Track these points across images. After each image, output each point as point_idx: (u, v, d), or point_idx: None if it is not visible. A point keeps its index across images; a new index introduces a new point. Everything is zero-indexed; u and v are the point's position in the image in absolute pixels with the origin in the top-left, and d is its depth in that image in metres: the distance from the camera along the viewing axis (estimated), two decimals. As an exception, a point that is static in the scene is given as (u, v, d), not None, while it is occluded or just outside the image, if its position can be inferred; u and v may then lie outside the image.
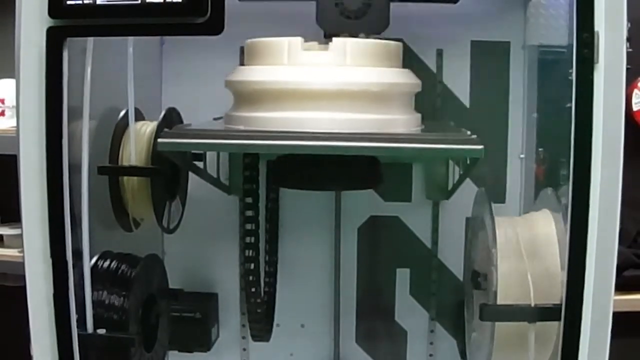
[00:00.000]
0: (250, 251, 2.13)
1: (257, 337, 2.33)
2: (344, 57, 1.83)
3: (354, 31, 1.97)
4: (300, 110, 1.78)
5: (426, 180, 2.34)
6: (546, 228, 1.78)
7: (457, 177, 2.13)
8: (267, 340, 2.39)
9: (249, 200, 2.09)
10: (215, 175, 2.17)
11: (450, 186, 2.01)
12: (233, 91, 1.96)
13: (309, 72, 1.81)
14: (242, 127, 1.84)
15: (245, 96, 1.89)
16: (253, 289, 2.12)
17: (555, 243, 1.73)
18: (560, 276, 1.66)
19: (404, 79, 1.92)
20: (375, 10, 1.97)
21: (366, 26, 1.97)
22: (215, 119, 2.18)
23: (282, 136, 1.70)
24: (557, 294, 1.64)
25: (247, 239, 2.14)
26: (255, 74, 1.87)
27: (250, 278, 2.12)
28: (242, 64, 2.40)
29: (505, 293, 1.70)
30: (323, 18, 1.99)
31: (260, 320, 2.24)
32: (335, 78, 1.80)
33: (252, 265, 2.14)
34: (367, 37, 1.97)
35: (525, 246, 1.74)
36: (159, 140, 1.73)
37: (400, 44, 1.98)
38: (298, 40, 1.84)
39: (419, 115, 1.98)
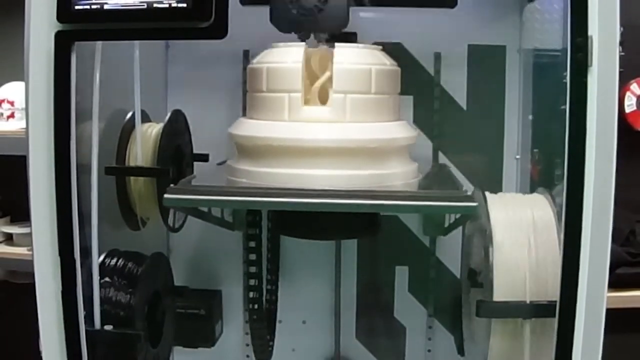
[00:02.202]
0: (254, 290, 2.16)
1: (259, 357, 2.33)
2: (343, 112, 1.84)
3: (310, 30, 1.95)
4: (301, 166, 1.79)
5: (423, 218, 2.36)
6: (543, 218, 1.78)
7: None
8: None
9: (252, 244, 2.13)
10: (219, 215, 2.18)
11: (447, 224, 2.04)
12: (235, 143, 1.97)
13: (309, 129, 1.82)
14: (244, 181, 1.87)
15: (247, 149, 1.91)
16: (256, 315, 2.15)
17: (553, 235, 1.73)
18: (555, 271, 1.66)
19: (401, 133, 1.93)
20: (332, 8, 1.90)
21: (322, 25, 1.92)
22: (218, 164, 2.19)
23: (284, 193, 1.73)
24: (554, 288, 1.64)
25: (252, 281, 2.17)
26: (256, 129, 1.87)
27: (255, 311, 2.15)
28: (244, 67, 2.42)
29: (502, 290, 1.70)
30: (277, 16, 1.93)
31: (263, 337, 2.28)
32: (334, 135, 1.81)
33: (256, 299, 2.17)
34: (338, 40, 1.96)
35: (521, 240, 1.74)
36: (165, 196, 1.77)
37: (398, 70, 1.98)
38: (298, 95, 1.84)
39: (416, 165, 1.99)
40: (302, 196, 1.72)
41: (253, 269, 2.07)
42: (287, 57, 1.88)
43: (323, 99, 1.89)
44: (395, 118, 1.97)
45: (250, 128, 1.90)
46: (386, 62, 1.94)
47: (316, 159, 1.80)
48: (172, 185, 1.81)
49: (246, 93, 2.39)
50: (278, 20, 1.92)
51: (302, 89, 1.85)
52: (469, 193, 1.76)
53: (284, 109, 1.85)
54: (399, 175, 1.90)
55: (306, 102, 1.87)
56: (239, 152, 1.96)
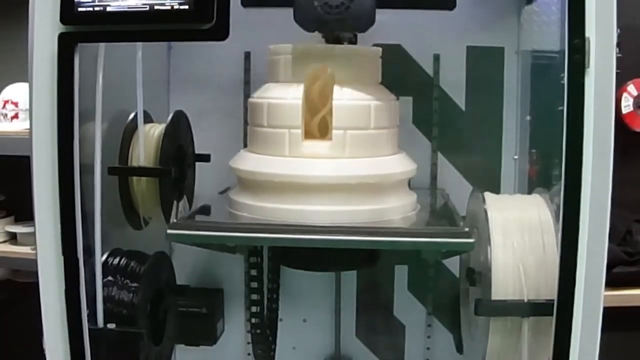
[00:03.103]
0: (256, 317, 2.18)
1: None
2: (343, 148, 1.85)
3: (335, 29, 1.92)
4: (302, 202, 1.81)
5: None
6: (540, 217, 1.78)
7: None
8: None
9: (253, 272, 2.15)
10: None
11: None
12: (237, 176, 1.98)
13: (309, 165, 1.83)
14: (246, 215, 1.88)
15: (248, 183, 1.92)
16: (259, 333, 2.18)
17: (551, 234, 1.73)
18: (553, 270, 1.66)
19: (400, 167, 1.94)
20: (359, 7, 1.84)
21: (349, 24, 1.87)
22: (220, 192, 2.20)
23: (285, 229, 1.75)
24: (552, 287, 1.64)
25: (254, 308, 2.18)
26: (257, 165, 1.88)
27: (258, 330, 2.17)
28: (246, 69, 2.43)
29: (500, 288, 1.70)
30: (301, 14, 1.86)
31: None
32: (334, 172, 1.82)
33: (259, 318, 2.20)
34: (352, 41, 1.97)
35: (519, 240, 1.74)
36: (168, 231, 1.78)
37: (397, 103, 1.99)
38: (298, 131, 1.85)
39: (414, 196, 2.00)
40: (302, 232, 1.75)
41: (255, 297, 2.11)
42: (287, 93, 1.88)
43: (323, 131, 1.91)
44: (394, 151, 1.98)
45: (251, 163, 1.91)
46: (385, 97, 1.95)
47: (316, 195, 1.82)
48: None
49: (247, 96, 2.41)
50: (302, 19, 1.86)
51: (302, 125, 1.86)
52: (466, 229, 1.78)
53: (284, 145, 1.86)
54: (397, 209, 1.91)
55: (307, 134, 1.88)
56: (240, 184, 1.98)
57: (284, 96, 1.88)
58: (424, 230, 1.84)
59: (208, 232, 1.81)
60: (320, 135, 1.92)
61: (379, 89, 1.97)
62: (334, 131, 1.85)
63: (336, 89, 1.87)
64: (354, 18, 1.84)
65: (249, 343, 2.39)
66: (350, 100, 1.87)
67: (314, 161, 1.84)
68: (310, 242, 1.75)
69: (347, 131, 1.85)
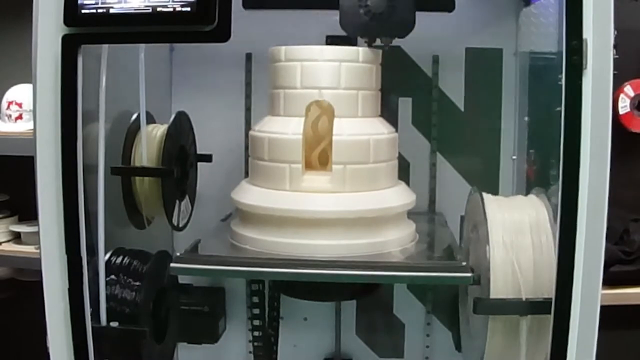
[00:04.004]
0: (258, 340, 2.24)
1: None
2: (343, 183, 1.86)
3: (378, 35, 1.96)
4: (302, 236, 1.83)
5: None
6: (538, 218, 1.78)
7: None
8: None
9: (255, 300, 2.19)
10: None
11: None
12: (238, 208, 1.98)
13: (310, 200, 1.85)
14: (247, 247, 1.89)
15: (250, 216, 1.93)
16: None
17: (549, 234, 1.73)
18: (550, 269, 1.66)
19: (399, 200, 1.95)
20: (400, 13, 1.91)
21: (391, 30, 1.93)
22: (222, 220, 2.22)
23: (286, 264, 1.77)
24: (550, 286, 1.64)
25: (256, 333, 2.25)
26: (259, 199, 1.90)
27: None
28: (247, 70, 2.43)
29: (500, 287, 1.70)
30: (347, 21, 1.93)
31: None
32: (334, 207, 1.84)
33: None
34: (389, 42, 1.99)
35: (517, 239, 1.74)
36: (172, 265, 1.80)
37: (396, 136, 2.00)
38: (299, 166, 1.86)
39: (413, 226, 2.01)
40: (303, 267, 1.76)
41: (257, 322, 2.16)
42: (287, 128, 1.89)
43: (323, 161, 1.93)
44: (393, 183, 1.99)
45: (253, 197, 1.92)
46: (384, 131, 1.96)
47: (317, 229, 1.83)
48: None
49: (248, 97, 2.42)
50: (348, 25, 1.92)
51: (303, 160, 1.87)
52: (464, 263, 1.79)
53: (285, 179, 1.87)
54: (396, 241, 1.92)
55: (307, 164, 1.90)
56: (241, 215, 1.99)
57: (284, 131, 1.89)
58: (422, 265, 1.84)
59: (211, 266, 1.83)
60: (320, 165, 1.95)
61: (378, 122, 1.98)
62: (334, 166, 1.86)
63: (336, 123, 1.88)
64: (396, 24, 1.90)
65: (250, 341, 2.39)
66: (350, 135, 1.88)
67: (315, 196, 1.86)
68: (311, 277, 1.77)
69: (346, 166, 1.87)
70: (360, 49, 1.92)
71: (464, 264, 1.77)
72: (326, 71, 1.89)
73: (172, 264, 1.80)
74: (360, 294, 2.11)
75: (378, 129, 1.94)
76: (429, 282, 2.27)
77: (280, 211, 1.84)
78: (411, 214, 2.04)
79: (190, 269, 1.82)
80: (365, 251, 1.84)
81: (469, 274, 1.75)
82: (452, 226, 2.24)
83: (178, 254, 1.85)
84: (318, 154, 1.96)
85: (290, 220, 1.83)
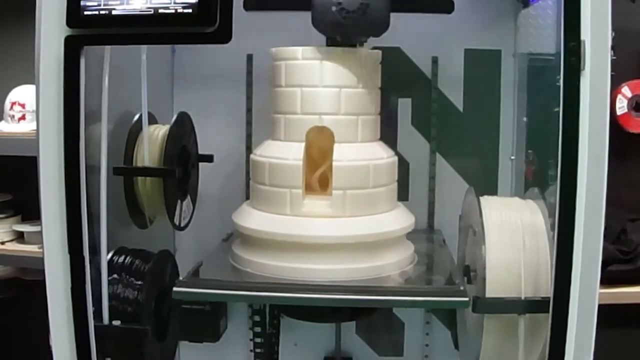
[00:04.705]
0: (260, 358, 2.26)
1: None
2: (343, 208, 1.87)
3: (352, 34, 1.92)
4: (303, 260, 1.84)
5: None
6: (535, 220, 1.78)
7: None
8: None
9: (257, 318, 2.23)
10: None
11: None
12: (239, 232, 1.99)
13: (310, 225, 1.86)
14: (248, 270, 1.90)
15: (251, 239, 1.94)
16: None
17: (544, 233, 1.73)
18: (549, 267, 1.66)
19: (398, 224, 1.95)
20: (374, 12, 1.84)
21: (365, 28, 1.88)
22: (224, 239, 2.24)
23: (288, 288, 1.79)
24: (545, 285, 1.64)
25: (257, 350, 2.27)
26: (260, 223, 1.91)
27: None
28: (248, 71, 2.43)
29: (496, 286, 1.70)
30: (320, 19, 1.85)
31: None
32: (334, 232, 1.85)
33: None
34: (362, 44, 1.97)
35: (516, 240, 1.74)
36: (175, 289, 1.81)
37: (395, 160, 2.01)
38: (299, 191, 1.87)
39: (412, 248, 2.02)
40: (303, 291, 1.77)
41: (258, 340, 2.19)
42: (288, 153, 1.90)
43: (323, 183, 1.95)
44: (393, 206, 1.99)
45: (254, 221, 1.93)
46: (383, 155, 1.97)
47: (317, 253, 1.84)
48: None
49: (249, 98, 2.41)
50: (320, 23, 1.86)
51: (303, 186, 1.88)
52: (462, 288, 1.79)
53: (285, 204, 1.88)
54: (395, 264, 1.93)
55: (307, 187, 1.91)
56: (243, 238, 1.99)
57: (285, 156, 1.90)
58: (420, 290, 1.85)
59: (213, 290, 1.83)
60: (320, 187, 1.96)
61: (377, 146, 1.99)
62: (334, 191, 1.87)
63: (336, 148, 1.89)
64: (370, 23, 1.84)
65: (251, 340, 2.39)
66: (349, 161, 1.89)
67: (315, 221, 1.87)
68: (311, 302, 1.78)
69: (346, 191, 1.87)
70: (360, 74, 1.92)
71: (461, 288, 1.78)
72: (326, 97, 1.90)
73: (174, 289, 1.81)
74: (360, 315, 2.12)
75: (378, 154, 1.95)
76: (428, 307, 2.31)
77: (281, 236, 1.85)
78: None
79: (193, 293, 1.83)
80: (364, 275, 1.85)
81: (466, 298, 1.75)
82: (451, 226, 2.24)
83: (181, 278, 1.86)
84: (318, 176, 1.97)
85: (291, 245, 1.85)
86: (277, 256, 1.86)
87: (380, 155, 1.95)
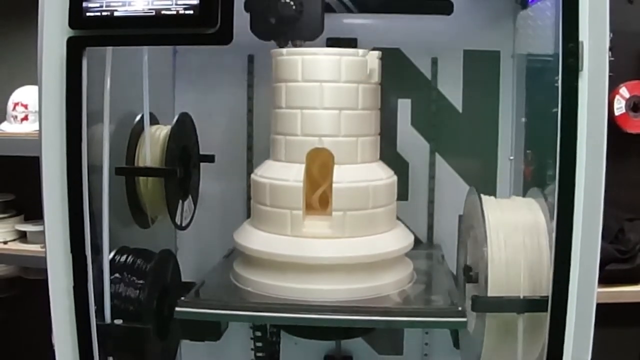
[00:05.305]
0: None
1: None
2: (342, 229, 1.87)
3: (288, 38, 1.99)
4: (303, 280, 1.84)
5: None
6: (535, 220, 1.77)
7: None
8: None
9: (258, 334, 2.23)
10: None
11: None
12: (241, 251, 1.98)
13: (311, 246, 1.86)
14: (250, 290, 1.91)
15: (252, 259, 1.94)
16: None
17: (544, 233, 1.73)
18: (546, 268, 1.66)
19: (397, 244, 1.96)
20: (309, 17, 1.95)
21: (300, 33, 1.96)
22: (225, 256, 2.23)
23: (287, 308, 1.80)
24: (546, 284, 1.64)
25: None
26: (261, 243, 1.91)
27: None
28: (249, 72, 2.43)
29: (497, 285, 1.70)
30: (257, 25, 1.98)
31: None
32: (334, 253, 1.86)
33: None
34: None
35: (514, 239, 1.74)
36: (177, 309, 1.82)
37: (395, 180, 2.01)
38: (300, 213, 1.87)
39: (411, 267, 2.02)
40: (304, 312, 1.78)
41: (260, 354, 2.21)
42: (288, 174, 1.90)
43: (324, 202, 1.95)
44: (392, 226, 2.00)
45: (255, 241, 1.93)
46: (383, 176, 1.97)
47: (317, 274, 1.85)
48: (183, 299, 1.86)
49: (250, 99, 2.41)
50: (257, 29, 1.97)
51: (303, 207, 1.88)
52: (460, 308, 1.79)
53: (286, 224, 1.89)
54: (394, 284, 1.93)
55: (308, 206, 1.91)
56: (244, 258, 1.99)
57: (285, 177, 1.90)
58: (419, 310, 1.85)
59: (215, 310, 1.84)
60: (320, 206, 1.97)
61: (377, 167, 1.99)
62: (333, 212, 1.87)
63: (336, 169, 1.89)
64: (304, 28, 1.95)
65: (251, 338, 2.39)
66: (349, 182, 1.89)
67: (315, 241, 1.87)
68: (311, 322, 1.79)
69: (346, 212, 1.87)
70: (360, 96, 1.92)
71: (460, 308, 1.79)
72: (326, 119, 1.90)
73: (177, 308, 1.82)
74: (359, 334, 2.13)
75: (377, 175, 1.96)
76: (427, 327, 2.32)
77: (282, 256, 1.86)
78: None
79: (195, 312, 1.83)
80: (364, 294, 1.86)
81: (464, 319, 1.76)
82: (451, 225, 2.24)
83: (183, 298, 1.86)
84: (319, 195, 1.98)
85: (291, 265, 1.85)
86: (278, 276, 1.87)
87: (380, 176, 1.96)
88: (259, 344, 2.20)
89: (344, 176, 1.89)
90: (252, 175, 2.01)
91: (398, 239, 1.97)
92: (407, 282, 1.98)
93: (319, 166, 1.96)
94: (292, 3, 1.94)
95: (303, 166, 1.90)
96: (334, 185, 1.88)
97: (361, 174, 1.92)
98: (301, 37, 1.98)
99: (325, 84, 1.89)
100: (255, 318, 1.93)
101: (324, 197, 1.97)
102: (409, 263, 2.03)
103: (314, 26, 1.98)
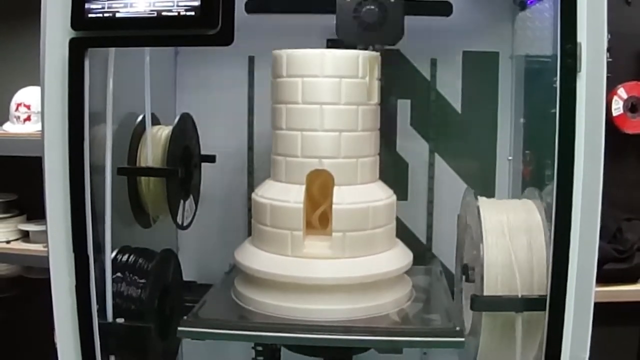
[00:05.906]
0: None
1: None
2: (342, 249, 1.88)
3: (371, 42, 2.04)
4: (304, 300, 1.85)
5: None
6: (531, 220, 1.78)
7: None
8: None
9: (259, 348, 2.21)
10: None
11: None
12: (242, 269, 1.98)
13: (311, 266, 1.87)
14: (250, 309, 1.91)
15: (253, 279, 1.94)
16: None
17: (542, 232, 1.73)
18: (543, 268, 1.66)
19: (396, 264, 1.96)
20: (391, 23, 2.05)
21: (382, 37, 2.04)
22: (226, 272, 2.23)
23: (288, 328, 1.80)
24: (542, 284, 1.64)
25: None
26: (261, 264, 1.91)
27: None
28: (250, 72, 2.43)
29: (494, 284, 1.70)
30: (342, 30, 2.07)
31: None
32: (334, 274, 1.86)
33: None
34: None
35: (513, 239, 1.74)
36: (179, 328, 1.81)
37: (394, 200, 2.01)
38: (300, 234, 1.87)
39: (409, 285, 2.02)
40: (304, 331, 1.79)
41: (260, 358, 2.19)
42: (289, 195, 1.90)
43: (324, 221, 1.96)
44: (391, 245, 2.00)
45: (256, 261, 1.93)
46: (382, 197, 1.97)
47: (317, 294, 1.85)
48: (186, 313, 1.87)
49: (251, 99, 2.41)
50: (343, 34, 2.10)
51: (303, 228, 1.88)
52: (458, 328, 1.80)
53: (287, 245, 1.89)
54: (393, 303, 1.93)
55: (308, 224, 1.91)
56: (245, 277, 1.99)
57: (286, 199, 1.90)
58: (417, 330, 1.86)
59: (216, 330, 1.83)
60: (320, 225, 1.97)
61: (376, 187, 1.99)
62: (333, 233, 1.88)
63: (336, 190, 1.89)
64: (387, 33, 2.06)
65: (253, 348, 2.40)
66: (349, 204, 1.89)
67: (315, 262, 1.87)
68: (311, 342, 1.79)
69: (346, 233, 1.88)
70: (360, 118, 1.92)
71: (457, 328, 1.79)
72: (326, 141, 1.90)
73: (179, 328, 1.81)
74: (360, 352, 2.14)
75: (376, 195, 1.96)
76: (425, 347, 2.32)
77: (283, 277, 1.86)
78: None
79: (197, 332, 1.83)
80: (363, 314, 1.86)
81: (462, 339, 1.77)
82: (450, 225, 2.24)
83: (185, 317, 1.85)
84: (319, 214, 1.98)
85: (292, 285, 1.85)
86: (279, 296, 1.87)
87: (379, 196, 1.96)
88: (260, 358, 2.20)
89: (343, 197, 1.89)
90: (253, 195, 2.01)
91: (397, 259, 1.97)
92: (406, 301, 1.98)
93: (319, 186, 1.96)
94: (376, 10, 2.04)
95: (303, 187, 1.90)
96: (333, 206, 1.88)
97: (361, 195, 1.92)
98: (383, 42, 2.08)
99: (325, 106, 1.89)
100: (257, 338, 1.94)
101: (324, 215, 1.97)
102: (407, 281, 2.04)
103: (395, 32, 2.09)
